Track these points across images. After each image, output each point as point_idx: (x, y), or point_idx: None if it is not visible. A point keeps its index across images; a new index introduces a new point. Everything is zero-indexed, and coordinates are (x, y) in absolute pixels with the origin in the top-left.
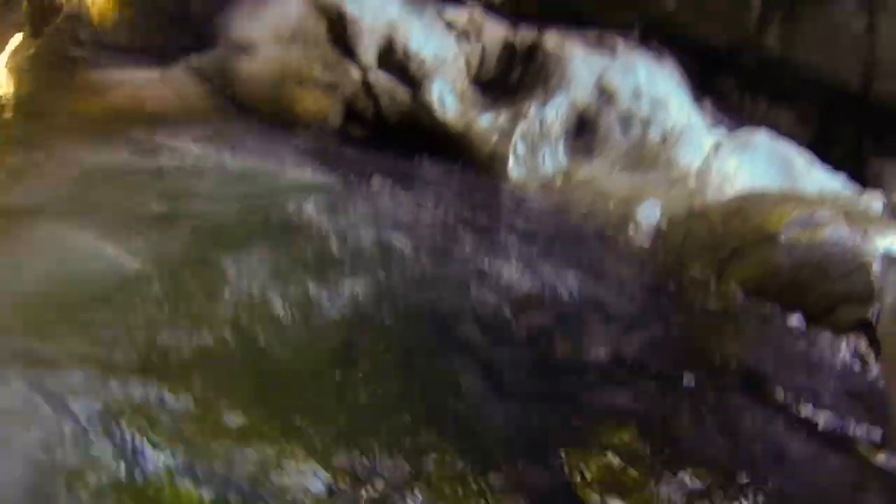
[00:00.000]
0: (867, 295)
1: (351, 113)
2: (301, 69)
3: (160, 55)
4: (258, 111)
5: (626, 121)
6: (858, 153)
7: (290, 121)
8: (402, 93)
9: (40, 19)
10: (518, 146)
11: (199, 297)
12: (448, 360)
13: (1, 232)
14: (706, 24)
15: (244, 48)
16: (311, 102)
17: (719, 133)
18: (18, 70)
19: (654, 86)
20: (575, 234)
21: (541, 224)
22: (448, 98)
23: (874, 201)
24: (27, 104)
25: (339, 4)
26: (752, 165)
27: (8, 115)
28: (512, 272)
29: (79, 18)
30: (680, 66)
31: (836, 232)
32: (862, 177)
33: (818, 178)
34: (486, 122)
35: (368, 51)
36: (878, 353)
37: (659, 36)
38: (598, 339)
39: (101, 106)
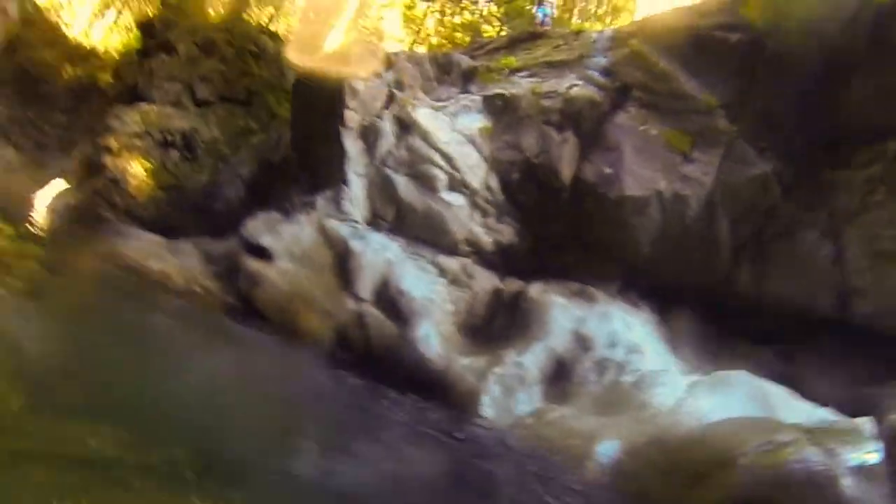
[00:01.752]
0: None
1: (343, 339)
2: (307, 290)
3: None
4: (264, 313)
5: (601, 367)
6: (850, 382)
7: (291, 332)
8: (390, 327)
9: (86, 174)
10: (493, 388)
11: None
12: None
13: None
14: (680, 268)
15: (259, 252)
16: (311, 322)
17: (695, 375)
18: (57, 214)
19: (629, 334)
20: (538, 470)
21: (505, 463)
22: (433, 338)
23: (864, 426)
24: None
25: (345, 239)
26: (728, 403)
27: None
28: None
29: (117, 184)
30: (657, 311)
31: (799, 452)
32: (857, 404)
33: (801, 410)
34: (466, 364)
35: (365, 285)
36: None
37: (638, 282)
38: None
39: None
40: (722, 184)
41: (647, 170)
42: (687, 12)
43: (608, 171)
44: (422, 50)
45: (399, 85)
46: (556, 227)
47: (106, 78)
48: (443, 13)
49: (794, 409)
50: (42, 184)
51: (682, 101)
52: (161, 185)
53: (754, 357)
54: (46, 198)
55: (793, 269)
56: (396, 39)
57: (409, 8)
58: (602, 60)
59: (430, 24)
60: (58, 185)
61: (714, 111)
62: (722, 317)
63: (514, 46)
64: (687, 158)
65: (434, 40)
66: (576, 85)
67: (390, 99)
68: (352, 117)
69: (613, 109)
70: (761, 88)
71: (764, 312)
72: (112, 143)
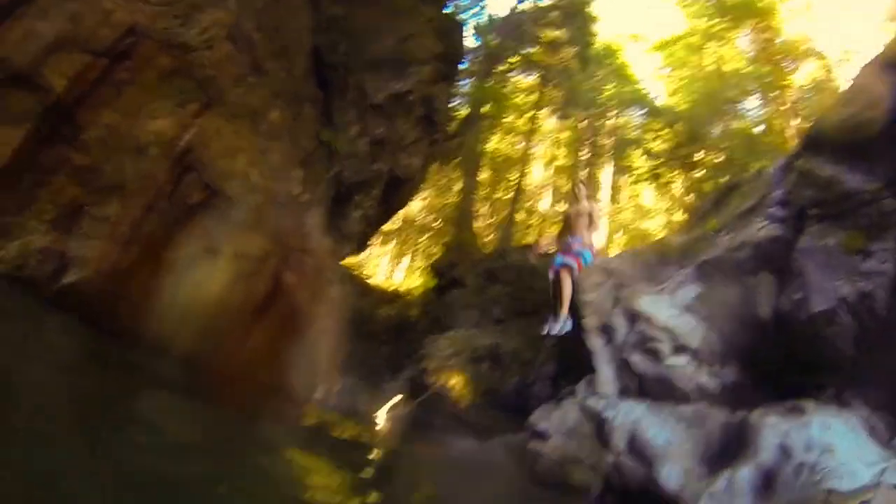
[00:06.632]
0: None
1: (607, 486)
2: (574, 455)
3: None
4: (543, 479)
5: (797, 471)
6: None
7: (564, 489)
8: (641, 471)
9: (413, 391)
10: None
11: None
12: None
13: None
14: (888, 358)
15: (539, 435)
16: (580, 477)
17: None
18: (394, 421)
19: (825, 434)
20: None
21: None
22: (674, 474)
23: None
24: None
25: (600, 411)
26: None
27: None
28: None
29: (441, 396)
30: (870, 405)
31: None
32: None
33: None
34: (697, 489)
35: (619, 442)
36: None
37: (852, 385)
38: None
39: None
40: None
41: (830, 282)
42: (836, 107)
43: (797, 296)
44: (679, 215)
45: (620, 287)
46: (769, 360)
47: (415, 313)
48: (686, 171)
49: None
50: (380, 401)
51: (850, 200)
52: (477, 393)
53: None
54: (385, 410)
55: None
56: (654, 210)
57: (655, 178)
58: (779, 193)
59: (679, 186)
60: (393, 401)
61: (878, 195)
62: None
63: (718, 205)
64: (865, 254)
65: (688, 199)
66: (761, 228)
67: (616, 300)
68: (590, 323)
69: (796, 236)
70: None
71: None
72: (430, 365)
